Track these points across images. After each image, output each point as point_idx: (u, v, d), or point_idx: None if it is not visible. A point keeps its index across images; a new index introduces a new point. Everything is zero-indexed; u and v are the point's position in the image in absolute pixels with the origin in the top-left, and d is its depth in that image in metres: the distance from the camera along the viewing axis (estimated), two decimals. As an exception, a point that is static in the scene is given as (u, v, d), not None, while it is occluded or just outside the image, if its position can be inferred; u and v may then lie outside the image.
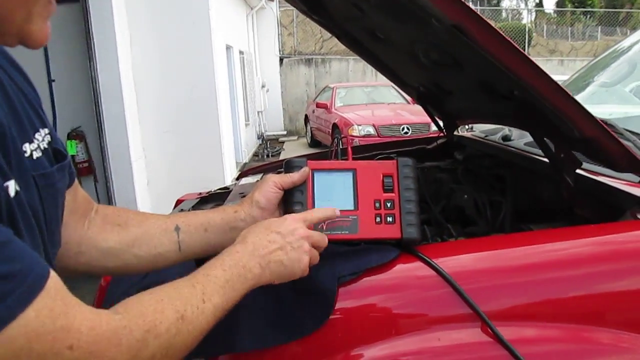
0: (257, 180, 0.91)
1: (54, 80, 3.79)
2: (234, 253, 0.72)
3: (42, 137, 0.63)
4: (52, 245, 0.64)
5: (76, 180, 0.77)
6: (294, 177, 0.86)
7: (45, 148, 0.63)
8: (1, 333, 0.44)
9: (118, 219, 0.82)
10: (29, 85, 0.67)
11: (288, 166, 0.89)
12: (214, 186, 1.80)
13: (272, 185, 0.86)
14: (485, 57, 0.85)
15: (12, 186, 0.52)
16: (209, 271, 0.68)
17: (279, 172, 0.90)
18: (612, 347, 0.81)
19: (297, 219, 0.78)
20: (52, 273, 0.51)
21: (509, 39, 0.80)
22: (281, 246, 0.74)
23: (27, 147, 0.58)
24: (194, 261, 0.87)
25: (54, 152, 0.65)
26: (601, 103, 1.82)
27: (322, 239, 0.79)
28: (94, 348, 0.50)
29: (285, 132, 12.26)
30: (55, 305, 0.49)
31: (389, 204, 0.86)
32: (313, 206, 0.86)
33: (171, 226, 0.83)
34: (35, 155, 0.60)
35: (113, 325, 0.53)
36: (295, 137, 12.32)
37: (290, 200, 0.87)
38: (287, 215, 0.79)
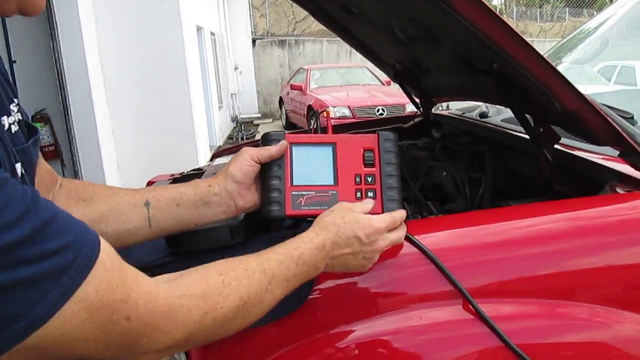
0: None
1: (15, 62, 3.64)
2: (314, 250, 0.70)
3: (16, 109, 0.59)
4: None
5: (39, 153, 0.72)
6: (271, 150, 0.83)
7: (19, 120, 0.59)
8: (64, 308, 0.44)
9: (83, 194, 0.78)
10: None
11: (265, 139, 0.86)
12: (187, 169, 1.74)
13: (249, 158, 0.82)
14: (465, 27, 0.82)
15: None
16: (283, 258, 0.67)
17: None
18: (587, 321, 0.81)
19: (382, 225, 0.75)
20: (102, 240, 0.50)
21: (490, 6, 0.77)
22: (354, 252, 0.74)
23: (5, 120, 0.55)
24: (163, 238, 0.84)
25: (26, 126, 0.62)
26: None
27: (399, 239, 0.78)
28: (150, 320, 0.51)
29: (259, 115, 12.13)
30: (112, 277, 0.48)
31: (369, 179, 0.84)
32: (291, 181, 0.83)
33: (141, 201, 0.79)
34: (14, 129, 0.56)
35: (170, 301, 0.53)
36: (270, 120, 12.22)
37: (268, 175, 0.83)
38: (375, 219, 0.76)
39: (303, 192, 0.82)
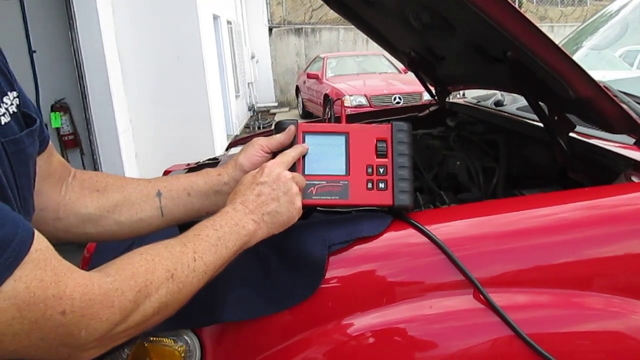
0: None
1: (35, 51, 3.68)
2: (225, 213, 0.71)
3: (10, 101, 0.60)
4: (26, 213, 0.62)
5: (51, 144, 0.74)
6: (280, 138, 0.83)
7: (14, 112, 0.60)
8: None
9: (97, 184, 0.80)
10: None
11: (278, 128, 0.86)
12: (203, 159, 1.76)
13: (259, 148, 0.83)
14: (479, 15, 0.81)
15: None
16: (199, 231, 0.67)
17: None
18: (602, 311, 0.80)
19: (275, 163, 0.77)
20: (37, 235, 0.50)
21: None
22: (270, 194, 0.73)
23: None
24: (177, 227, 0.85)
25: (24, 116, 0.63)
26: (591, 68, 1.79)
27: (302, 178, 0.79)
28: (86, 312, 0.51)
29: (276, 104, 12.14)
30: (45, 275, 0.48)
31: (381, 170, 0.83)
32: (303, 170, 0.83)
33: (153, 192, 0.81)
34: (4, 120, 0.57)
35: (105, 288, 0.53)
36: (287, 109, 12.22)
37: None
38: (264, 164, 0.77)
39: (314, 182, 0.83)
